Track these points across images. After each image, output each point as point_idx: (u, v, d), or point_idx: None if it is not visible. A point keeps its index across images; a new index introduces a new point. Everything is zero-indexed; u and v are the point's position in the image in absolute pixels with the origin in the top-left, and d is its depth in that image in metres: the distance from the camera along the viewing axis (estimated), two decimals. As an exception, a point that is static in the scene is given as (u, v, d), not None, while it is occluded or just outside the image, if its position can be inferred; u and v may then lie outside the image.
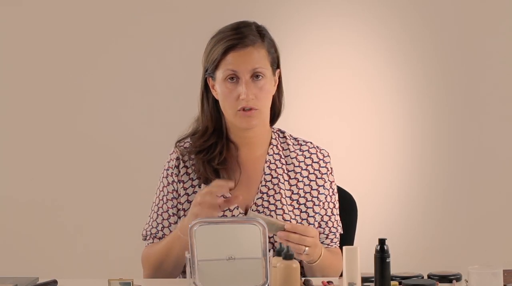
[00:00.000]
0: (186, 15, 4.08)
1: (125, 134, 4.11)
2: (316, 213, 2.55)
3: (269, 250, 2.10)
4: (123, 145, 4.11)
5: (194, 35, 4.01)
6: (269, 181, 2.55)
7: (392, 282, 2.21)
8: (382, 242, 2.13)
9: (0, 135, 4.15)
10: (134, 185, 4.07)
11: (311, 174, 2.58)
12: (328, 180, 2.59)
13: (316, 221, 2.55)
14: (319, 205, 2.56)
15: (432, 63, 4.07)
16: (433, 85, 4.08)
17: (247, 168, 2.57)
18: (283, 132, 2.64)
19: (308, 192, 2.56)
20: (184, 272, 2.49)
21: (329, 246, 2.58)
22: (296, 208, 2.55)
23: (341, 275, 2.21)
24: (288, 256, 2.11)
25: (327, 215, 2.58)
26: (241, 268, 2.10)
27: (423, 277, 2.32)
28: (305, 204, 2.55)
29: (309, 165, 2.59)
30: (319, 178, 2.58)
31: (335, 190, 2.62)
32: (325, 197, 2.57)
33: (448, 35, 4.06)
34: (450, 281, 2.30)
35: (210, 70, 2.52)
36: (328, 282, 2.31)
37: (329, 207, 2.58)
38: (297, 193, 2.56)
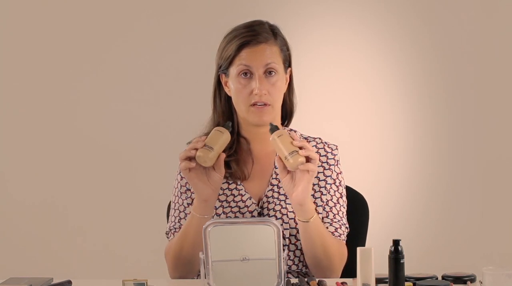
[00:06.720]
0: (190, 16, 4.08)
1: (133, 135, 4.12)
2: (323, 202, 2.57)
3: (283, 251, 2.10)
4: (132, 146, 4.12)
5: (197, 36, 4.02)
6: (279, 174, 2.57)
7: (406, 283, 2.21)
8: (396, 243, 2.12)
9: (14, 140, 4.17)
10: (148, 187, 4.08)
11: (319, 166, 2.59)
12: (335, 171, 2.62)
13: (319, 206, 2.57)
14: (326, 194, 2.58)
15: (432, 63, 4.07)
16: (434, 85, 4.08)
17: (260, 161, 2.61)
18: (294, 131, 2.66)
19: (316, 184, 2.58)
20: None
21: (334, 235, 2.56)
22: None
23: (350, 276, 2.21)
24: (274, 128, 2.39)
25: (332, 201, 2.59)
26: (255, 269, 2.10)
27: (437, 278, 2.32)
28: (313, 195, 2.57)
29: None
30: (326, 169, 2.61)
31: (342, 182, 2.63)
32: (331, 186, 2.59)
33: (448, 35, 4.05)
34: (465, 282, 2.30)
35: (223, 67, 2.56)
36: (342, 283, 2.31)
37: (335, 195, 2.60)
38: None
